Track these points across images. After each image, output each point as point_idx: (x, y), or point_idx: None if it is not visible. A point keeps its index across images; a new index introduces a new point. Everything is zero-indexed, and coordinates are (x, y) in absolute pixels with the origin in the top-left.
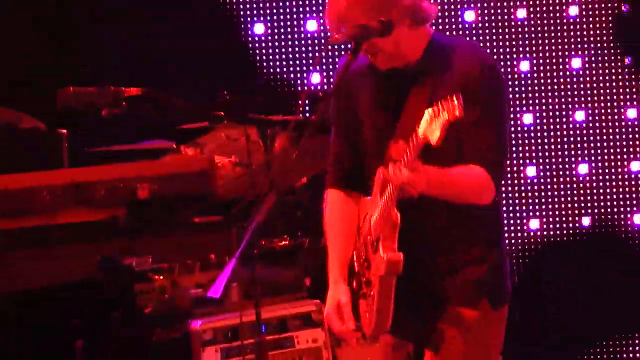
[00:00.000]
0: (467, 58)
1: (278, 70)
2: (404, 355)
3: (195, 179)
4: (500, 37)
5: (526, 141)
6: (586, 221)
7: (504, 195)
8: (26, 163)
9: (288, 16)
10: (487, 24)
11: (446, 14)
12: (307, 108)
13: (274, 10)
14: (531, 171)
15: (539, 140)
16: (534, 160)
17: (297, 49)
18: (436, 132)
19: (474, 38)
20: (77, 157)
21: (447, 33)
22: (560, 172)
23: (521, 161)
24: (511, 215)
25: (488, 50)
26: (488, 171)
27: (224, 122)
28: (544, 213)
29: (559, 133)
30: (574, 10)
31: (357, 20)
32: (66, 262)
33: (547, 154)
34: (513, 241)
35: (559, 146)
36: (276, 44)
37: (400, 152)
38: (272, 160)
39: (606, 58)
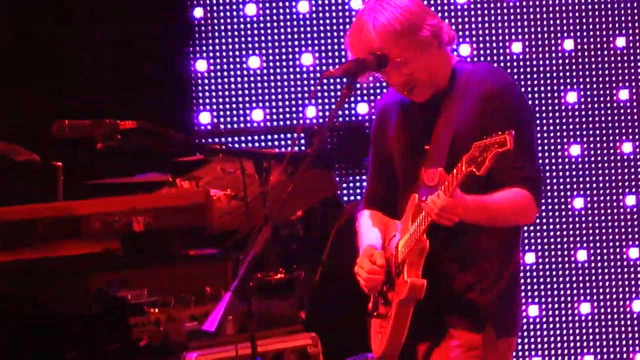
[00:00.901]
0: (486, 80)
1: (274, 104)
2: None
3: (191, 211)
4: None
5: None
6: (582, 255)
7: None
8: (21, 195)
9: (283, 50)
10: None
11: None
12: (302, 141)
13: (269, 44)
14: None
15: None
16: None
17: (292, 82)
18: (484, 163)
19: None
20: (73, 190)
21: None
22: (556, 206)
23: None
24: None
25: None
26: (530, 190)
27: (220, 155)
28: (539, 247)
29: (554, 167)
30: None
31: (390, 49)
32: (60, 295)
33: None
34: None
35: (555, 180)
36: (272, 77)
37: (433, 178)
38: (268, 193)
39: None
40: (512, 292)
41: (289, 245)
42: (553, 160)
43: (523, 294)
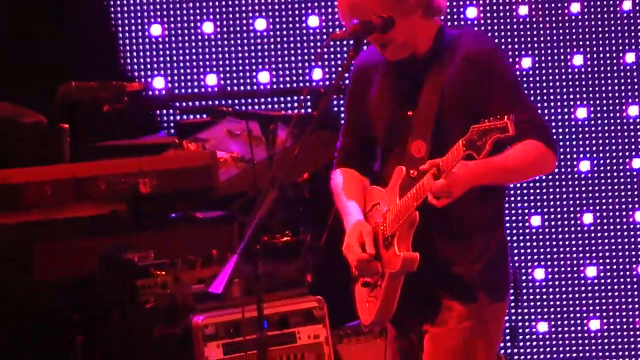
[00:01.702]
0: (471, 43)
1: (280, 65)
2: (406, 346)
3: (197, 173)
4: (503, 33)
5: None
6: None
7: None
8: (28, 157)
9: (290, 12)
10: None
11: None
12: (308, 103)
13: (276, 7)
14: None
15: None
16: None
17: (298, 44)
18: (484, 148)
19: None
20: (79, 151)
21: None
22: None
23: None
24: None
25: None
26: (540, 139)
27: (226, 117)
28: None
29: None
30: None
31: (373, 9)
32: (67, 257)
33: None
34: None
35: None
36: (278, 39)
37: (419, 150)
38: (274, 155)
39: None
40: (499, 259)
41: (296, 208)
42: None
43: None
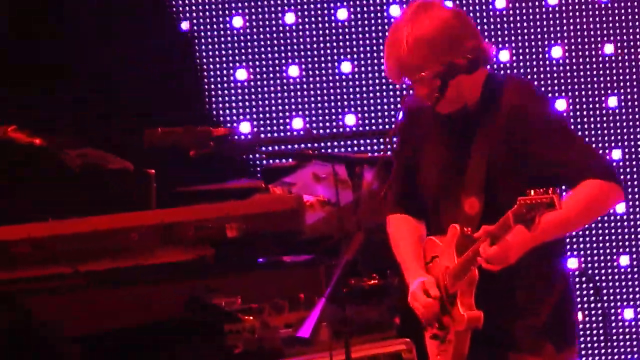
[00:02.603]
0: (517, 97)
1: (365, 108)
2: None
3: (284, 217)
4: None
5: None
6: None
7: None
8: (115, 204)
9: (375, 54)
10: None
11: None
12: (394, 146)
13: (361, 49)
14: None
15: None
16: None
17: (384, 87)
18: (533, 222)
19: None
20: (165, 197)
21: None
22: None
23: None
24: None
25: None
26: (599, 175)
27: (312, 161)
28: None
29: None
30: None
31: (421, 65)
32: (156, 302)
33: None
34: None
35: None
36: (363, 82)
37: (472, 207)
38: (360, 198)
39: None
40: (564, 304)
41: (382, 251)
42: None
43: (618, 297)
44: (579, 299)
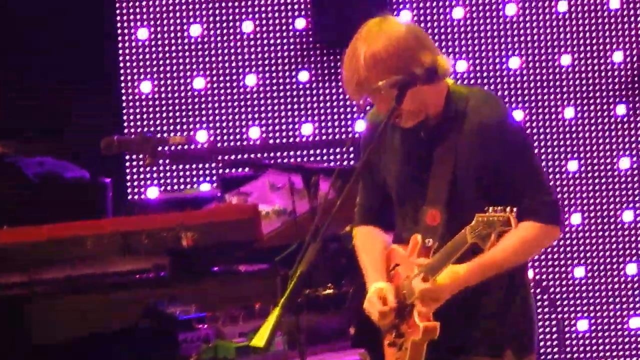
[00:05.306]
0: (482, 111)
1: (322, 117)
2: None
3: (239, 227)
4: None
5: None
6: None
7: None
8: (71, 212)
9: (332, 64)
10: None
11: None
12: (351, 155)
13: (318, 59)
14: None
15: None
16: None
17: (341, 96)
18: (489, 240)
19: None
20: (121, 206)
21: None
22: (605, 219)
23: None
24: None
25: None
26: (538, 220)
27: (268, 170)
28: (589, 261)
29: (602, 180)
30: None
31: (379, 76)
32: (110, 311)
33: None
34: None
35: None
36: (320, 91)
37: (434, 218)
38: (316, 207)
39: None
40: (526, 313)
41: (338, 260)
42: (602, 174)
43: (572, 308)
44: None
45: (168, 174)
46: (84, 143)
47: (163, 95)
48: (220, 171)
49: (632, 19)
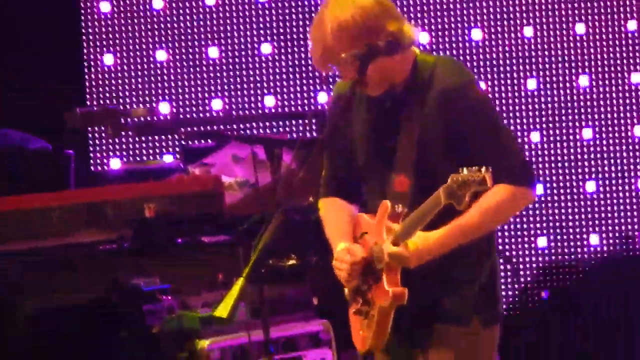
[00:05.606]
0: (447, 77)
1: (285, 89)
2: None
3: (202, 198)
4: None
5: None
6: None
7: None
8: (34, 184)
9: (295, 36)
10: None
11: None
12: (313, 127)
13: (281, 32)
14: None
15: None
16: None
17: (304, 68)
18: (463, 200)
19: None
20: (84, 177)
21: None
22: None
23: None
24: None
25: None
26: (510, 182)
27: (231, 142)
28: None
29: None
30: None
31: (344, 50)
32: (75, 282)
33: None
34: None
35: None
36: (283, 63)
37: (402, 184)
38: (279, 179)
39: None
40: (493, 282)
41: (301, 232)
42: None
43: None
44: None
45: (131, 145)
46: (47, 115)
47: (126, 67)
48: (183, 143)
49: None
